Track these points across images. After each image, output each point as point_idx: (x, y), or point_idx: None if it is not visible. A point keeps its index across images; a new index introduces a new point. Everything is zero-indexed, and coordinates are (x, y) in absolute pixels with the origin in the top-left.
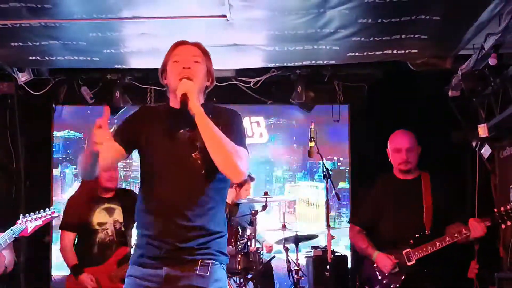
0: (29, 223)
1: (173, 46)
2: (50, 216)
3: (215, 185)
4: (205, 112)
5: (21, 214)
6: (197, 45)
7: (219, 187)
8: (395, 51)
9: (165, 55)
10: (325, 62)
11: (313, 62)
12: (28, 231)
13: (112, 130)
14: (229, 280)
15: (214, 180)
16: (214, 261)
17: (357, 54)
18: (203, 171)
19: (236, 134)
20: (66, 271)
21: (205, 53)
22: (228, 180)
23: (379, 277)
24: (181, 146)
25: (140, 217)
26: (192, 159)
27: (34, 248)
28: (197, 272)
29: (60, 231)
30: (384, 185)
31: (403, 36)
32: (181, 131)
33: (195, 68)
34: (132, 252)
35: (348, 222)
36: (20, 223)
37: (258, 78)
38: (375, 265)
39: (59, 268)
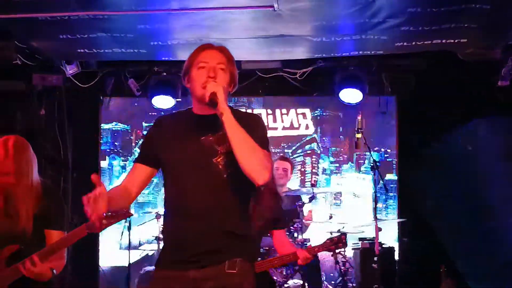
0: (104, 220)
1: (198, 50)
2: (124, 214)
3: (238, 189)
4: None
5: None
6: (223, 50)
7: (242, 190)
8: (443, 41)
9: (188, 57)
10: (372, 52)
11: (361, 52)
12: (102, 227)
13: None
14: (276, 271)
15: (237, 183)
16: (241, 259)
17: (405, 44)
18: (225, 176)
19: (260, 139)
20: (115, 262)
21: (230, 59)
22: (252, 183)
23: None
24: (202, 151)
25: (165, 221)
26: (213, 164)
27: (82, 239)
28: (226, 271)
29: None
30: None
31: (452, 26)
32: (202, 137)
33: (220, 76)
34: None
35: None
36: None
37: (304, 70)
38: None
39: (107, 259)
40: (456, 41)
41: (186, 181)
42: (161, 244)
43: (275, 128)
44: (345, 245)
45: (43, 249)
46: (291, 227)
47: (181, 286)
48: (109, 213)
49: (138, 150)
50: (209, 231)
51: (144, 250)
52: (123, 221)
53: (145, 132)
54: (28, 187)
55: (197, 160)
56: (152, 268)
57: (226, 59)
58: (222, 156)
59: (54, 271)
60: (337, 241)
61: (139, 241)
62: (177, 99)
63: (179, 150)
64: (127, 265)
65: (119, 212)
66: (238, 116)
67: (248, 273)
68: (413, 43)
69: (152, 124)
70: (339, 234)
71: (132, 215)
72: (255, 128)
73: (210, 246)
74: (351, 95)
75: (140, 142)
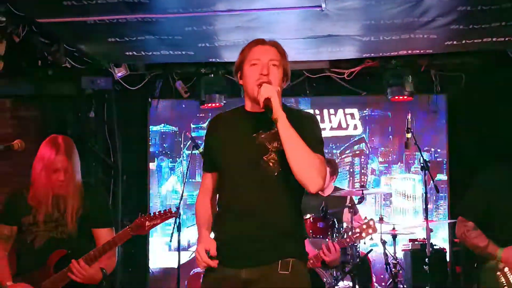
0: (147, 222)
1: (250, 46)
2: (169, 215)
3: (289, 187)
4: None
5: (139, 213)
6: (275, 45)
7: (294, 188)
8: (494, 39)
9: (240, 52)
10: (421, 51)
11: (409, 51)
12: (146, 229)
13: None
14: (326, 273)
15: (288, 182)
16: (294, 259)
17: (455, 42)
18: (276, 173)
19: (315, 140)
20: (165, 264)
21: (282, 54)
22: None
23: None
24: (254, 149)
25: (217, 219)
26: (263, 162)
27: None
28: (279, 271)
29: None
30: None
31: (503, 23)
32: (254, 134)
33: (273, 73)
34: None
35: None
36: (138, 221)
37: (352, 69)
38: (498, 273)
39: (156, 260)
40: (506, 39)
41: (238, 180)
42: None
43: (323, 129)
44: (374, 229)
45: (88, 254)
46: (341, 229)
47: (233, 286)
48: (152, 215)
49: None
50: (261, 230)
51: (194, 251)
52: (173, 223)
53: (193, 134)
54: (76, 186)
55: (249, 159)
56: (201, 269)
57: (279, 54)
58: (273, 153)
59: (105, 271)
60: (367, 227)
61: (189, 243)
62: (225, 101)
63: (233, 150)
64: (176, 267)
65: (162, 213)
66: (292, 116)
67: (301, 273)
68: (463, 41)
69: (207, 123)
70: (366, 220)
71: (175, 215)
72: (310, 129)
73: (262, 245)
74: (400, 94)
75: (189, 143)
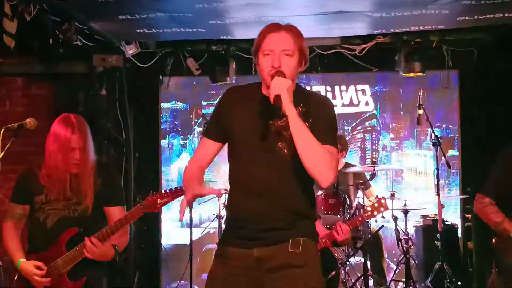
0: (158, 199)
1: (264, 33)
2: (180, 193)
3: (302, 173)
4: (297, 98)
5: (151, 191)
6: (290, 30)
7: (306, 175)
8: (506, 14)
9: (257, 36)
10: (433, 27)
11: (421, 27)
12: (157, 207)
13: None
14: (338, 249)
15: (301, 168)
16: (304, 238)
17: (467, 18)
18: (290, 160)
19: (327, 129)
20: (177, 240)
21: (298, 38)
22: None
23: None
24: (269, 135)
25: (229, 199)
26: (278, 148)
27: (144, 218)
28: (289, 250)
29: None
30: None
31: None
32: (270, 121)
33: (286, 64)
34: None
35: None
36: (149, 199)
37: (364, 46)
38: None
39: (169, 237)
40: None
41: (252, 161)
42: (222, 222)
43: (335, 105)
44: (386, 208)
45: (101, 231)
46: (352, 205)
47: (245, 264)
48: (164, 193)
49: (205, 125)
50: (273, 210)
51: (205, 228)
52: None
53: (204, 111)
54: (90, 165)
55: (263, 143)
56: (213, 245)
57: (294, 40)
58: (288, 141)
59: (117, 248)
60: (378, 206)
61: (200, 219)
62: (234, 77)
63: (247, 129)
64: (188, 243)
65: (173, 191)
66: (307, 99)
67: (311, 252)
68: (475, 17)
69: (222, 94)
70: (378, 198)
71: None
72: (323, 117)
73: (273, 225)
74: (411, 70)
75: (200, 120)
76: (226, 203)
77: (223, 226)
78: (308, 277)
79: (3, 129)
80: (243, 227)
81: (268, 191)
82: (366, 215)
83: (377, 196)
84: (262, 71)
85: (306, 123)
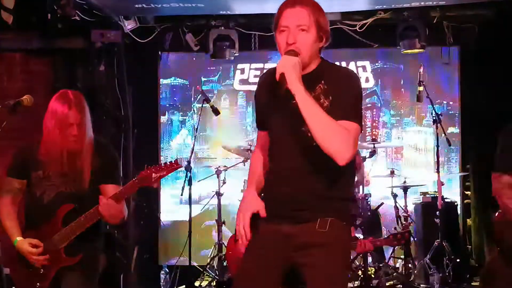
0: (153, 173)
1: (281, 9)
2: (175, 167)
3: (327, 155)
4: (319, 75)
5: (145, 165)
6: (306, 5)
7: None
8: None
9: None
10: (434, 3)
11: (422, 3)
12: (152, 181)
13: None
14: None
15: None
16: (332, 218)
17: None
18: (314, 143)
19: (347, 105)
20: (176, 217)
21: (314, 12)
22: None
23: None
24: (292, 117)
25: (266, 181)
26: (303, 132)
27: (143, 194)
28: (317, 229)
29: None
30: None
31: None
32: (293, 101)
33: (301, 40)
34: None
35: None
36: (144, 173)
37: (364, 21)
38: None
39: (168, 213)
40: None
41: (279, 144)
42: (222, 200)
43: None
44: (408, 242)
45: (117, 191)
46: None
47: (274, 240)
48: (159, 167)
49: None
50: (300, 193)
51: (205, 205)
52: (184, 176)
53: (204, 87)
54: (88, 142)
55: (287, 126)
56: (212, 222)
57: (310, 15)
58: None
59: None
60: (401, 238)
61: (200, 196)
62: (236, 54)
63: (273, 113)
64: (187, 220)
65: (168, 165)
66: (331, 75)
67: (339, 232)
68: None
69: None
70: (404, 231)
71: (181, 166)
72: (345, 93)
73: (302, 206)
74: (412, 47)
75: (199, 97)
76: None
77: (222, 203)
78: (331, 256)
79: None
80: (272, 206)
81: (293, 174)
82: (388, 242)
83: (403, 228)
84: (279, 49)
85: (326, 100)
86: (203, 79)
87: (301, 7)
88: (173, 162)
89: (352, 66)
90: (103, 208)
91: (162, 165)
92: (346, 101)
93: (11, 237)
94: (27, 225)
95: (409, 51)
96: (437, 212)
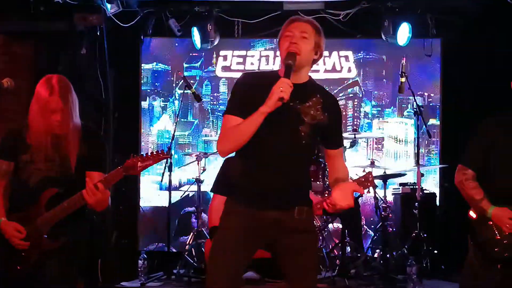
0: (139, 163)
1: (288, 22)
2: (161, 157)
3: (309, 154)
4: (313, 88)
5: (131, 154)
6: (309, 21)
7: (311, 154)
8: None
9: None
10: None
11: None
12: (137, 170)
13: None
14: (316, 216)
15: (311, 150)
16: (307, 207)
17: None
18: (304, 142)
19: (340, 131)
20: (156, 202)
21: (316, 29)
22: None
23: (498, 237)
24: (290, 116)
25: (243, 167)
26: (298, 131)
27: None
28: (295, 216)
29: None
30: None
31: None
32: (291, 103)
33: (302, 43)
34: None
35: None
36: (130, 162)
37: (348, 11)
38: (490, 223)
39: (147, 199)
40: None
41: (271, 138)
42: (202, 187)
43: (317, 71)
44: (373, 184)
45: (104, 178)
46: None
47: (258, 223)
48: (145, 156)
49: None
50: (285, 183)
51: (185, 191)
52: (164, 162)
53: (186, 73)
54: (74, 127)
55: (283, 123)
56: (192, 209)
57: (312, 29)
58: (308, 126)
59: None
60: (364, 181)
61: (180, 182)
62: (216, 39)
63: (271, 113)
64: (167, 206)
65: (154, 154)
66: (323, 93)
67: (311, 220)
68: None
69: (239, 77)
70: (365, 172)
71: (168, 156)
72: (338, 117)
73: (283, 194)
74: (395, 38)
75: (181, 83)
76: (233, 169)
77: (202, 189)
78: (310, 242)
79: None
80: (257, 193)
81: (282, 165)
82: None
83: (364, 170)
84: (281, 52)
85: (325, 113)
86: (185, 65)
87: (307, 23)
88: (159, 151)
89: (334, 55)
90: (87, 194)
91: (149, 154)
92: (341, 130)
93: None
94: (11, 207)
95: (392, 41)
96: (416, 203)
